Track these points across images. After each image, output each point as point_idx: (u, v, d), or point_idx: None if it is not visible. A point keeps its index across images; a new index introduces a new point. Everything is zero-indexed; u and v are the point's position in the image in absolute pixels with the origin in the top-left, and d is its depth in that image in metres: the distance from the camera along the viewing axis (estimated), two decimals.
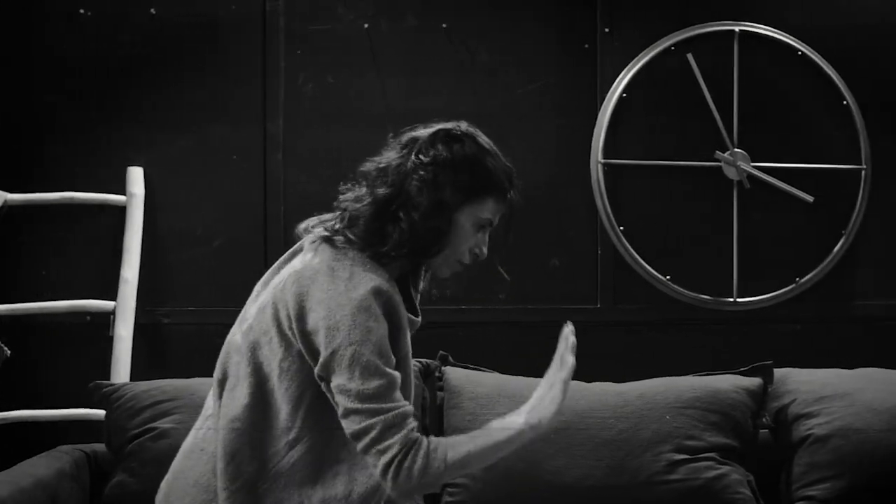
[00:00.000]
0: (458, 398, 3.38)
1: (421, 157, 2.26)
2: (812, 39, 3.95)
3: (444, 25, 3.91)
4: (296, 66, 3.88)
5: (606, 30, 3.92)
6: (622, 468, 3.27)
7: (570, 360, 2.27)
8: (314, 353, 2.17)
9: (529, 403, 2.23)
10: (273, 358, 2.23)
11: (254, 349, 2.27)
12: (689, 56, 3.88)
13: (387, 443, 2.12)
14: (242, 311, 2.40)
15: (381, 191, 2.26)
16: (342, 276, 2.19)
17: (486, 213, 2.30)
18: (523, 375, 3.55)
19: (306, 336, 2.18)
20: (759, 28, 3.93)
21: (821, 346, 3.93)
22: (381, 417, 2.12)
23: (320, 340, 2.15)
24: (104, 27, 3.85)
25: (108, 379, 3.67)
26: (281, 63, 3.87)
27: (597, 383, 3.45)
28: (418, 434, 2.16)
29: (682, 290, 3.88)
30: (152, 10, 3.85)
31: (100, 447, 3.51)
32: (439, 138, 2.31)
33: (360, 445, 2.14)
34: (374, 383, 2.13)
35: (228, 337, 2.37)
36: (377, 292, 2.18)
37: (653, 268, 3.88)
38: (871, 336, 3.96)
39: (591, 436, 3.30)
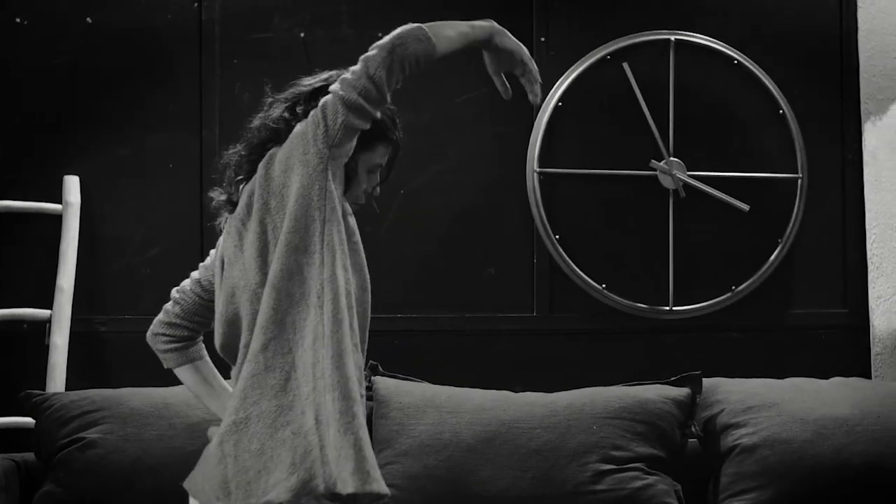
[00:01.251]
0: (385, 408, 3.39)
1: (307, 110, 2.32)
2: (748, 48, 3.97)
3: (379, 34, 3.87)
4: (232, 74, 3.87)
5: (542, 39, 3.93)
6: (548, 479, 3.28)
7: None
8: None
9: None
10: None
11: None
12: (625, 65, 3.89)
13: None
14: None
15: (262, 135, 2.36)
16: None
17: (376, 159, 2.43)
18: (459, 384, 3.56)
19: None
20: (695, 37, 3.94)
21: (757, 354, 3.95)
22: None
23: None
24: (41, 36, 3.84)
25: (45, 387, 3.67)
26: (217, 71, 3.86)
27: (525, 393, 3.46)
28: None
29: (618, 298, 3.89)
30: (89, 19, 3.84)
31: (30, 456, 3.51)
32: (323, 92, 2.36)
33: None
34: None
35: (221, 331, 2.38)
36: None
37: (589, 276, 3.89)
38: (806, 345, 3.98)
39: (518, 446, 3.31)
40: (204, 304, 2.56)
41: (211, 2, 3.86)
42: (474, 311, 3.90)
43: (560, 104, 3.90)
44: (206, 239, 3.84)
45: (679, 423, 3.42)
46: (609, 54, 3.92)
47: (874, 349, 3.97)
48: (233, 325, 2.34)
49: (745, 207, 3.91)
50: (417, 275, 3.91)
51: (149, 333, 2.62)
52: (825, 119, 4.01)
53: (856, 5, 3.99)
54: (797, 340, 3.99)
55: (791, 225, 3.95)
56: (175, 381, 3.47)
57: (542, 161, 3.89)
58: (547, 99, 3.90)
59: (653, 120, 3.88)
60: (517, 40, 2.41)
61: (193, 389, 2.62)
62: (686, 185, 3.88)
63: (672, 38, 3.92)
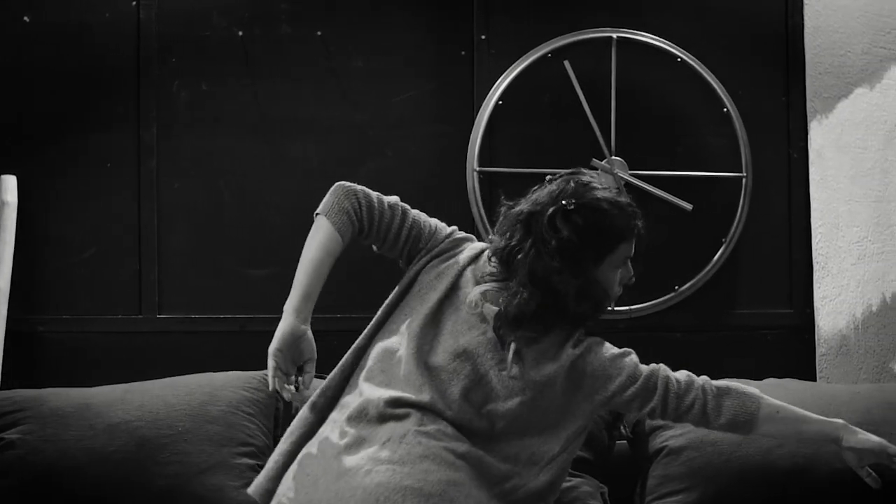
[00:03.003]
0: None
1: (547, 245, 2.49)
2: (692, 46, 3.92)
3: (318, 33, 3.89)
4: (170, 73, 3.86)
5: (483, 37, 3.89)
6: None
7: None
8: None
9: (856, 430, 2.65)
10: None
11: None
12: (566, 63, 3.85)
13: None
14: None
15: (535, 294, 2.50)
16: None
17: (622, 256, 2.60)
18: None
19: None
20: (637, 35, 3.90)
21: (701, 355, 3.89)
22: None
23: None
24: None
25: None
26: (155, 70, 3.85)
27: None
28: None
29: None
30: (26, 18, 3.83)
31: None
32: (558, 218, 2.51)
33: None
34: None
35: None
36: None
37: None
38: (750, 345, 3.94)
39: None
40: (395, 236, 2.66)
41: (149, 0, 3.84)
42: None
43: (500, 103, 3.86)
44: (142, 238, 3.83)
45: (607, 425, 3.38)
46: (550, 52, 3.88)
47: (819, 350, 3.91)
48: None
49: (689, 207, 3.86)
50: (356, 275, 3.87)
51: (350, 185, 2.65)
52: (770, 117, 3.96)
53: (802, 2, 3.94)
54: (742, 341, 3.94)
55: (735, 224, 3.90)
56: (98, 382, 3.49)
57: (482, 160, 3.85)
58: (487, 97, 3.87)
59: (594, 118, 3.84)
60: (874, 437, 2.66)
61: (316, 250, 2.63)
62: (628, 184, 3.83)
63: (614, 35, 3.88)
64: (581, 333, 2.59)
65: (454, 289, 2.60)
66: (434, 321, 2.58)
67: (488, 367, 2.53)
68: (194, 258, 3.85)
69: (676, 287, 3.88)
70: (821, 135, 3.96)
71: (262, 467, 3.23)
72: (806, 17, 3.96)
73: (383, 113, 3.89)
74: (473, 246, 2.71)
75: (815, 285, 3.92)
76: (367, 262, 3.84)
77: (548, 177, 2.66)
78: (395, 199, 2.68)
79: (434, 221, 2.72)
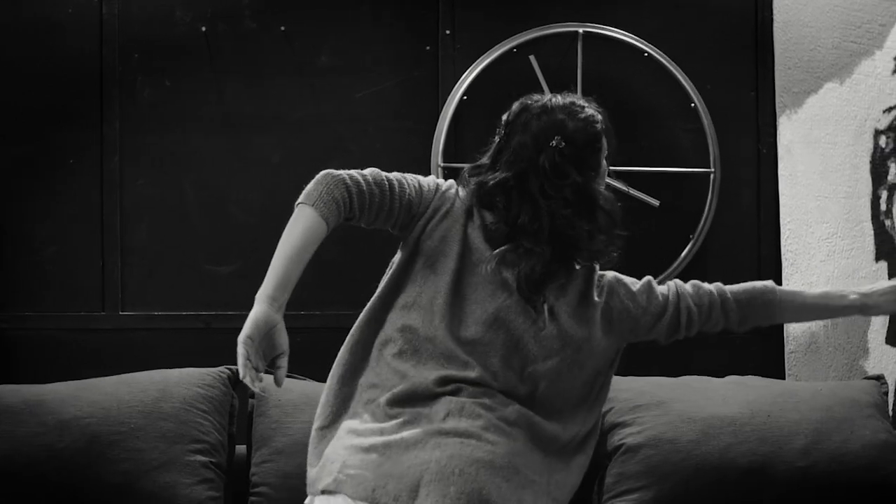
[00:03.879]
0: (265, 405, 3.34)
1: (560, 194, 2.54)
2: (660, 41, 3.88)
3: (282, 28, 3.87)
4: (133, 69, 3.84)
5: (448, 32, 3.86)
6: None
7: None
8: None
9: (868, 287, 2.70)
10: None
11: None
12: (532, 58, 3.82)
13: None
14: None
15: (552, 249, 2.55)
16: None
17: (606, 154, 2.72)
18: None
19: None
20: (603, 29, 3.87)
21: (669, 352, 3.79)
22: None
23: None
24: None
25: None
26: (118, 67, 3.83)
27: None
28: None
29: None
30: None
31: None
32: (560, 162, 2.55)
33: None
34: None
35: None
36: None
37: None
38: (719, 343, 3.85)
39: None
40: (387, 213, 2.58)
41: None
42: None
43: (465, 98, 3.83)
44: (105, 234, 3.81)
45: None
46: (516, 47, 3.85)
47: (788, 347, 3.87)
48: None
49: (656, 203, 3.83)
50: (319, 272, 3.81)
51: (337, 173, 2.54)
52: (739, 112, 3.92)
53: None
54: (710, 338, 3.87)
55: (703, 220, 3.86)
56: (61, 379, 3.47)
57: (447, 155, 3.83)
58: (452, 92, 3.84)
59: None
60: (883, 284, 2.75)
61: (298, 237, 2.50)
62: None
63: (580, 30, 3.85)
64: (599, 275, 2.66)
65: (466, 253, 2.55)
66: (457, 293, 2.53)
67: (522, 330, 2.51)
68: (158, 255, 3.83)
69: None
70: (790, 130, 3.92)
71: (215, 465, 3.23)
72: (776, 11, 3.92)
73: (348, 108, 3.86)
74: (461, 194, 2.63)
75: (784, 282, 3.88)
76: (333, 258, 3.84)
77: (498, 130, 2.67)
78: (375, 171, 2.58)
79: (416, 181, 2.63)
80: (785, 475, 3.25)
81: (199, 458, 3.23)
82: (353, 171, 2.54)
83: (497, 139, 2.62)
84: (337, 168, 3.79)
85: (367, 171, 2.57)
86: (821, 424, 3.33)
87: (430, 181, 2.66)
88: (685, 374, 3.59)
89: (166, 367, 3.54)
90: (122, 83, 3.83)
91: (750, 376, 3.55)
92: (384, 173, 2.59)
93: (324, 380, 3.50)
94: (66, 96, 3.83)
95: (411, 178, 2.63)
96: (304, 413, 3.28)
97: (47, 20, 3.82)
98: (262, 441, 3.28)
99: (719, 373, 3.65)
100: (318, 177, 2.52)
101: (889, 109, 3.97)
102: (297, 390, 3.36)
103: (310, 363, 3.68)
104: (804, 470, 3.27)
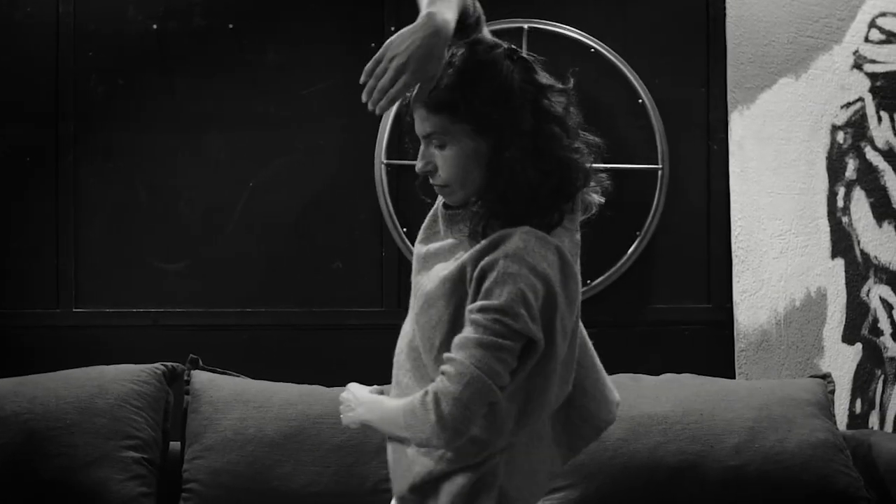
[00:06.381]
0: (198, 402, 3.37)
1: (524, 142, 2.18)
2: (608, 36, 3.87)
3: (230, 26, 3.89)
4: (87, 67, 3.88)
5: (393, 28, 3.86)
6: (349, 474, 3.24)
7: None
8: None
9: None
10: None
11: None
12: None
13: None
14: None
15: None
16: None
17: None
18: (302, 380, 3.52)
19: None
20: (549, 25, 3.85)
21: (616, 351, 3.78)
22: None
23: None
24: None
25: None
26: (72, 65, 3.87)
27: (335, 388, 3.41)
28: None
29: None
30: None
31: None
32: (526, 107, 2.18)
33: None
34: None
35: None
36: None
37: None
38: (668, 341, 3.88)
39: (322, 441, 3.27)
40: None
41: None
42: (322, 306, 3.86)
43: (409, 94, 3.82)
44: (60, 233, 3.86)
45: None
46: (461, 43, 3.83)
47: (738, 345, 3.85)
48: None
49: (601, 199, 3.80)
50: (265, 269, 3.88)
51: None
52: (689, 109, 3.90)
53: None
54: (658, 336, 3.89)
55: (651, 217, 3.85)
56: (9, 375, 3.52)
57: (390, 152, 3.84)
58: None
59: None
60: None
61: None
62: None
63: (525, 26, 3.84)
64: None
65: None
66: None
67: None
68: (111, 252, 3.88)
69: (589, 281, 3.82)
70: (742, 126, 3.89)
71: (147, 461, 3.28)
72: (728, 6, 3.89)
73: (294, 106, 3.88)
74: None
75: (735, 279, 3.86)
76: (282, 255, 3.87)
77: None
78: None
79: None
80: (716, 474, 3.24)
81: (132, 454, 3.27)
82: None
83: None
84: (282, 165, 3.86)
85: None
86: (756, 423, 3.32)
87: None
88: (627, 373, 3.57)
89: (119, 364, 3.59)
90: (76, 81, 3.87)
91: (686, 374, 3.53)
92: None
93: (262, 377, 3.55)
94: (21, 94, 3.88)
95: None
96: (234, 410, 3.32)
97: (4, 18, 3.87)
98: (194, 437, 3.32)
99: (667, 372, 3.64)
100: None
101: (848, 105, 3.93)
102: (228, 388, 3.40)
103: (253, 360, 3.74)
104: (736, 469, 3.26)
